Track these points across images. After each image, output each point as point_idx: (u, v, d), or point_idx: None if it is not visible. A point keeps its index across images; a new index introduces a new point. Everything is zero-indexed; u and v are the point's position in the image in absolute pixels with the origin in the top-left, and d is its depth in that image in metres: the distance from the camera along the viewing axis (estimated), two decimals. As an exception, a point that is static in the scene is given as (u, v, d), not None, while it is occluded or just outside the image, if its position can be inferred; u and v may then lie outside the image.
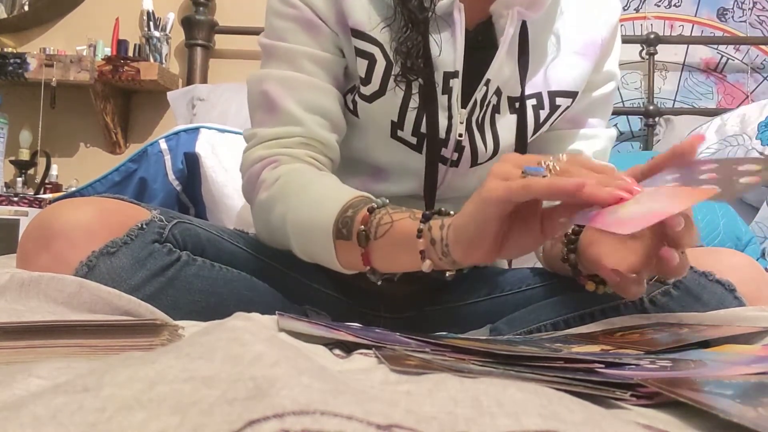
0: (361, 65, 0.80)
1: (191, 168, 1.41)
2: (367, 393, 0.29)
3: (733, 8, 2.21)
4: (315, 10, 0.80)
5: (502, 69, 0.80)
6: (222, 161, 1.41)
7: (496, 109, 0.83)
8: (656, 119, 2.15)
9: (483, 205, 0.55)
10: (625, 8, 2.24)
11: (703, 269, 0.73)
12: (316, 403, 0.25)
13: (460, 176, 0.85)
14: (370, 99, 0.81)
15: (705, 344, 0.52)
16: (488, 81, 0.80)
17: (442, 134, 0.81)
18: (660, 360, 0.45)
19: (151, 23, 2.27)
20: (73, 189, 2.12)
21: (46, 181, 2.27)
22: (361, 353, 0.47)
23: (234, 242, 0.81)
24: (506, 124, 0.83)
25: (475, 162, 0.84)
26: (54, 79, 2.11)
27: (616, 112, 2.19)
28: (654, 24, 2.23)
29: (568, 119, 0.89)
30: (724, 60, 2.21)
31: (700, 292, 0.72)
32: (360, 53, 0.80)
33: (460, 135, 0.81)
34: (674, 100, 2.21)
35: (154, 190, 1.39)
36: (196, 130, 1.47)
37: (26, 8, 2.39)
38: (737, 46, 2.20)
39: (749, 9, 2.21)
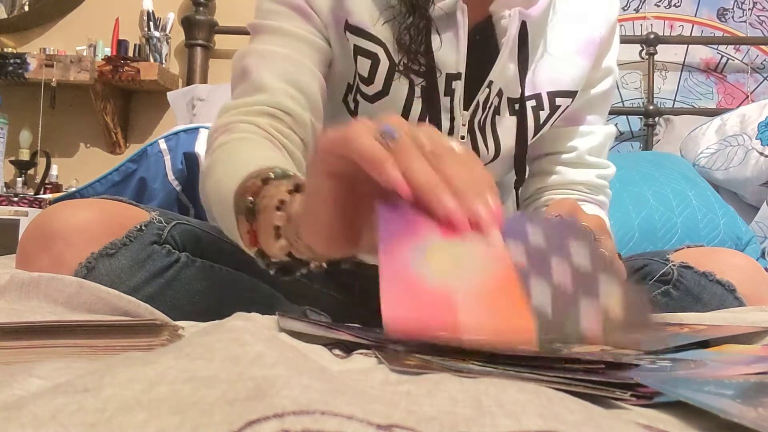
0: (363, 64, 0.79)
1: (191, 168, 1.41)
2: (367, 393, 0.29)
3: (733, 8, 2.21)
4: (309, 1, 0.78)
5: (504, 70, 0.79)
6: (222, 161, 1.41)
7: (497, 111, 0.82)
8: (656, 119, 2.15)
9: (313, 168, 0.47)
10: (625, 8, 2.24)
11: (704, 269, 0.73)
12: (317, 403, 0.25)
13: None
14: (372, 99, 0.80)
15: (705, 344, 0.52)
16: (491, 83, 0.79)
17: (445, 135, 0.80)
18: (660, 360, 0.45)
19: (151, 23, 2.27)
20: (73, 189, 2.12)
21: (46, 181, 2.27)
22: (360, 353, 0.47)
23: (233, 243, 0.81)
24: (506, 125, 0.83)
25: None
26: (54, 79, 2.11)
27: (616, 112, 2.19)
28: (654, 24, 2.23)
29: (565, 117, 0.88)
30: (724, 60, 2.21)
31: (700, 292, 0.72)
32: (362, 52, 0.78)
33: (462, 137, 0.80)
34: (674, 100, 2.22)
35: (153, 190, 1.39)
36: (196, 130, 1.47)
37: (26, 8, 2.39)
38: (737, 46, 2.20)
39: (749, 9, 2.21)
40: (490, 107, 0.81)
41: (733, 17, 2.21)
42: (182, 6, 2.37)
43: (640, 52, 2.21)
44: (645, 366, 0.42)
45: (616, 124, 2.22)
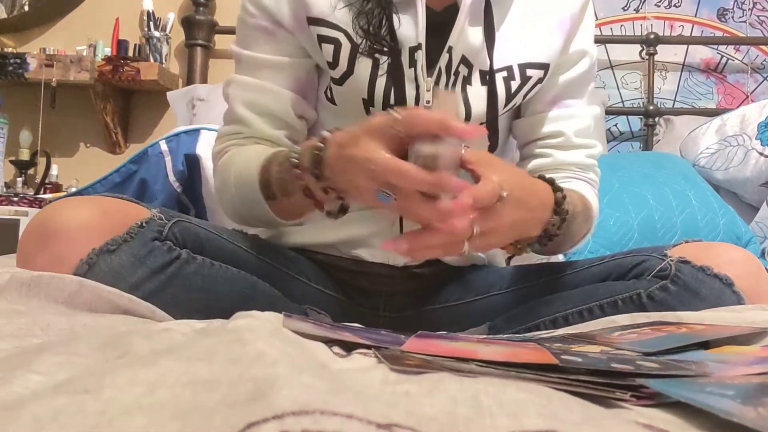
0: (327, 50, 0.82)
1: (192, 169, 1.41)
2: (366, 393, 0.29)
3: (733, 8, 2.21)
4: (272, 15, 0.85)
5: (463, 36, 0.81)
6: (222, 162, 1.41)
7: (467, 81, 0.84)
8: (656, 119, 2.14)
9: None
10: (625, 8, 2.24)
11: (701, 264, 0.73)
12: (316, 403, 0.25)
13: None
14: (340, 81, 0.84)
15: (705, 345, 0.52)
16: (450, 48, 0.82)
17: (411, 103, 0.82)
18: (659, 361, 0.45)
19: (151, 23, 2.27)
20: (74, 190, 2.12)
21: (46, 181, 2.26)
22: (360, 353, 0.47)
23: (233, 241, 0.81)
24: (477, 93, 0.85)
25: None
26: (54, 79, 2.11)
27: (616, 112, 2.19)
28: (654, 24, 2.23)
29: (548, 101, 0.91)
30: (724, 60, 2.21)
31: (698, 286, 0.72)
32: (325, 39, 0.82)
33: (428, 101, 0.82)
34: (674, 100, 2.21)
35: (154, 191, 1.38)
36: (197, 131, 1.47)
37: (26, 8, 2.38)
38: (737, 46, 2.20)
39: (749, 9, 2.21)
40: (456, 74, 0.84)
41: (733, 17, 2.21)
42: (182, 6, 2.36)
43: (640, 52, 2.21)
44: (644, 367, 0.42)
45: (615, 125, 2.22)
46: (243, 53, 0.89)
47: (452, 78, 0.84)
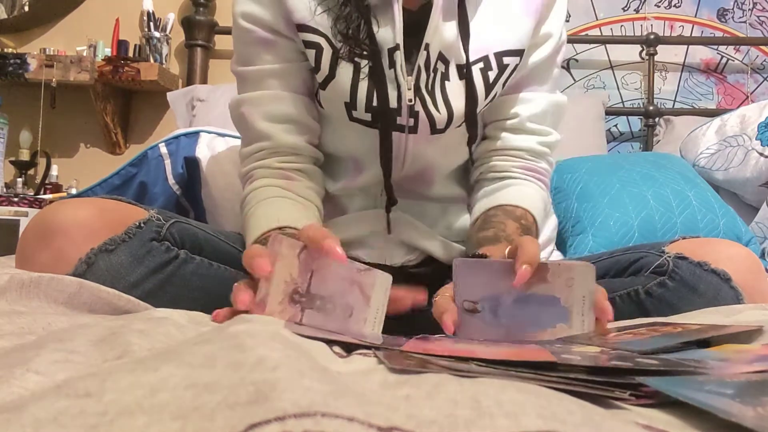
0: (310, 55, 0.83)
1: (191, 172, 1.41)
2: (367, 395, 0.29)
3: (733, 9, 2.21)
4: (266, 26, 0.84)
5: (438, 32, 0.81)
6: (222, 165, 1.41)
7: (445, 77, 0.84)
8: (656, 120, 2.15)
9: None
10: (625, 8, 2.24)
11: (699, 259, 0.73)
12: (318, 405, 0.25)
13: (423, 144, 0.86)
14: (323, 85, 0.84)
15: (705, 343, 0.53)
16: (427, 45, 0.81)
17: (394, 104, 0.82)
18: (659, 359, 0.45)
19: (151, 24, 2.27)
20: (74, 191, 2.12)
21: (46, 181, 2.26)
22: (360, 353, 0.47)
23: (231, 243, 0.81)
24: (456, 90, 0.84)
25: (434, 128, 0.85)
26: (54, 79, 2.11)
27: (616, 113, 2.19)
28: (654, 24, 2.23)
29: (511, 85, 0.90)
30: (724, 60, 2.21)
31: (695, 282, 0.72)
32: (307, 44, 0.83)
33: (410, 100, 0.82)
34: (674, 101, 2.21)
35: (154, 194, 1.38)
36: (196, 134, 1.47)
37: (26, 8, 2.38)
38: (737, 46, 2.20)
39: (749, 9, 2.21)
40: (435, 71, 0.84)
41: (733, 18, 2.21)
42: (182, 6, 2.37)
43: (641, 52, 2.21)
44: (643, 363, 0.42)
45: (616, 125, 2.22)
46: (247, 70, 0.87)
47: (431, 75, 0.83)
